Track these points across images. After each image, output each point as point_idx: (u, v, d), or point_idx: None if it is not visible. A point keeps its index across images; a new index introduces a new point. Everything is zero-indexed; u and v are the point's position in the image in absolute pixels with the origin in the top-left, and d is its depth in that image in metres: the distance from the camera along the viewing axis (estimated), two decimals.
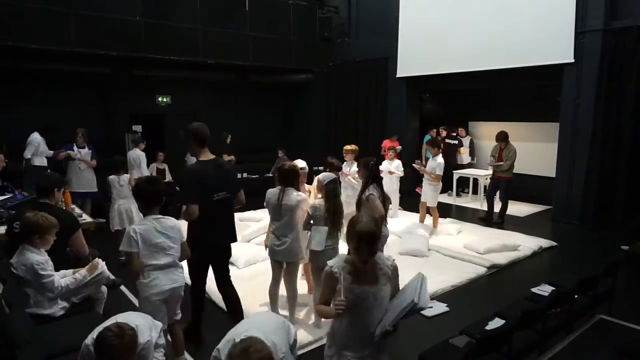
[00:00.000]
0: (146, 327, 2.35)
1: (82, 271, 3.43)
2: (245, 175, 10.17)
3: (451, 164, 9.63)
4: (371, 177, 4.22)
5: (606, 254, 4.88)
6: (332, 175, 4.19)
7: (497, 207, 8.06)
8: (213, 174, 3.48)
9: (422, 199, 7.31)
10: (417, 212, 7.70)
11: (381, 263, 2.36)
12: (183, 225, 3.28)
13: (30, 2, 7.68)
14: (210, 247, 3.61)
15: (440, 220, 7.43)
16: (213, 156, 3.59)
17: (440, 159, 6.95)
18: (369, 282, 2.30)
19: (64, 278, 3.34)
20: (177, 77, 10.66)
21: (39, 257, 3.22)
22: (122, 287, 4.57)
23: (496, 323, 3.26)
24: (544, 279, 4.70)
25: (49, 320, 3.19)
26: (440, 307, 4.57)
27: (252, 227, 6.75)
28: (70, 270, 3.50)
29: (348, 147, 6.99)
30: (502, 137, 7.85)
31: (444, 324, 4.24)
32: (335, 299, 2.28)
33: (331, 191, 3.99)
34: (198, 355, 3.62)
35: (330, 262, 2.38)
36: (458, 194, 10.02)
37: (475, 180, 9.87)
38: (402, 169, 7.84)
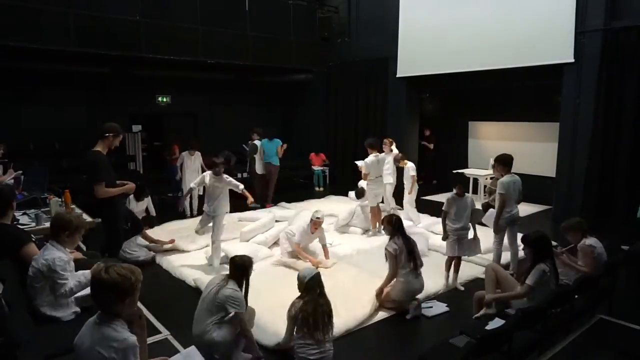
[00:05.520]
0: None
1: (86, 272, 3.23)
2: (245, 175, 10.15)
3: None
4: (395, 230, 4.51)
5: (606, 254, 4.87)
6: (313, 270, 3.65)
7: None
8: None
9: None
10: (426, 213, 7.87)
11: None
12: None
13: (30, 2, 7.68)
14: None
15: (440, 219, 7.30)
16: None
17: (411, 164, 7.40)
18: None
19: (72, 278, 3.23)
20: (177, 77, 10.66)
21: (63, 255, 3.20)
22: None
23: (496, 323, 3.27)
24: None
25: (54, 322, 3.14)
26: (440, 307, 4.57)
27: (249, 225, 6.71)
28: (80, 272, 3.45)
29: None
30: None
31: (444, 324, 4.25)
32: None
33: (311, 287, 3.45)
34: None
35: None
36: None
37: (475, 180, 9.86)
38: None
